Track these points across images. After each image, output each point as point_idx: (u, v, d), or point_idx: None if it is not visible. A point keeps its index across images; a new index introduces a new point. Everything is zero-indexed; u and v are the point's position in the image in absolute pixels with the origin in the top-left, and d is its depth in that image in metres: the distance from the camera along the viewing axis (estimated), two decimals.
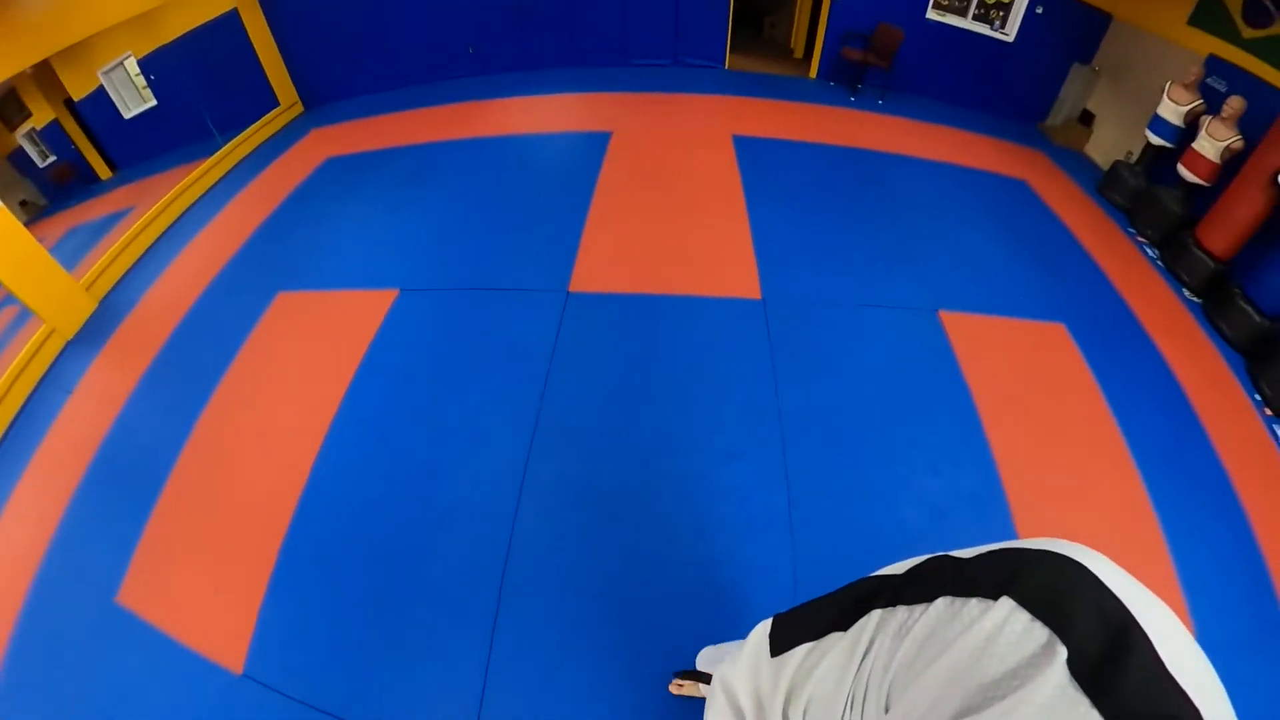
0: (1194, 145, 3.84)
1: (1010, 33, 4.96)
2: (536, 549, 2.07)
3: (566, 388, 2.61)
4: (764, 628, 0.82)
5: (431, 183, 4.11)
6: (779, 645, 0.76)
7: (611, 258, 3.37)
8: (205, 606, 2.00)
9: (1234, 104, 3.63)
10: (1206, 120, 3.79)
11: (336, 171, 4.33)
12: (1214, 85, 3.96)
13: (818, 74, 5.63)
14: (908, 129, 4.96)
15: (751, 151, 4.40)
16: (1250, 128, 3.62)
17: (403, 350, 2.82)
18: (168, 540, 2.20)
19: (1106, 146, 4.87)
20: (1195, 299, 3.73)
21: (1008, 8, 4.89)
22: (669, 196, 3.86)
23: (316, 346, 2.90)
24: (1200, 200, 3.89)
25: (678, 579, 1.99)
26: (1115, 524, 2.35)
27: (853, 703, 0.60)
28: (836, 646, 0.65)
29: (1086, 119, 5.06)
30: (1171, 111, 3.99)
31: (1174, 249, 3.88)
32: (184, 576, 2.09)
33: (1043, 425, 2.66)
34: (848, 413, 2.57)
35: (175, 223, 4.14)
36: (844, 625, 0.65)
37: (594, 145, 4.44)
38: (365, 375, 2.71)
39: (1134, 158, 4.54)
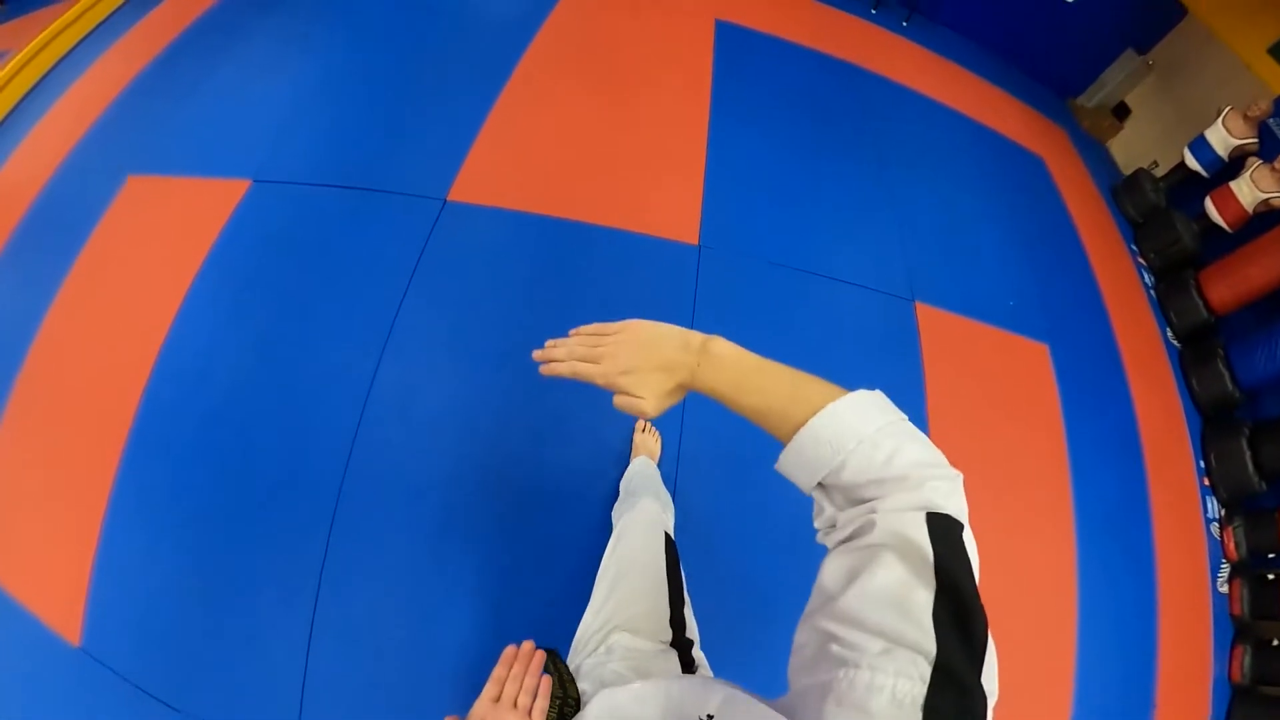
0: (1231, 184, 3.45)
1: None
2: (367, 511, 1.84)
3: (421, 327, 2.13)
4: None
5: (329, 28, 3.11)
6: None
7: (514, 160, 2.64)
8: (41, 559, 1.80)
9: None
10: (1254, 163, 3.39)
11: (233, 11, 3.20)
12: (1276, 129, 3.47)
13: None
14: (928, 62, 4.26)
15: (735, 45, 3.57)
16: None
17: (243, 257, 2.27)
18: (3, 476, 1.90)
19: (1133, 148, 4.42)
20: (1176, 343, 3.44)
21: None
22: (610, 88, 3.04)
23: (158, 247, 2.31)
24: (1215, 243, 3.56)
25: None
26: (1035, 578, 2.26)
27: None
28: None
29: (1121, 112, 4.54)
30: (1220, 140, 3.54)
31: (1172, 284, 3.56)
32: (21, 523, 1.84)
33: (994, 453, 2.35)
34: None
35: (51, 70, 3.04)
36: None
37: (535, 3, 3.47)
38: (200, 288, 2.20)
39: (1159, 169, 4.08)
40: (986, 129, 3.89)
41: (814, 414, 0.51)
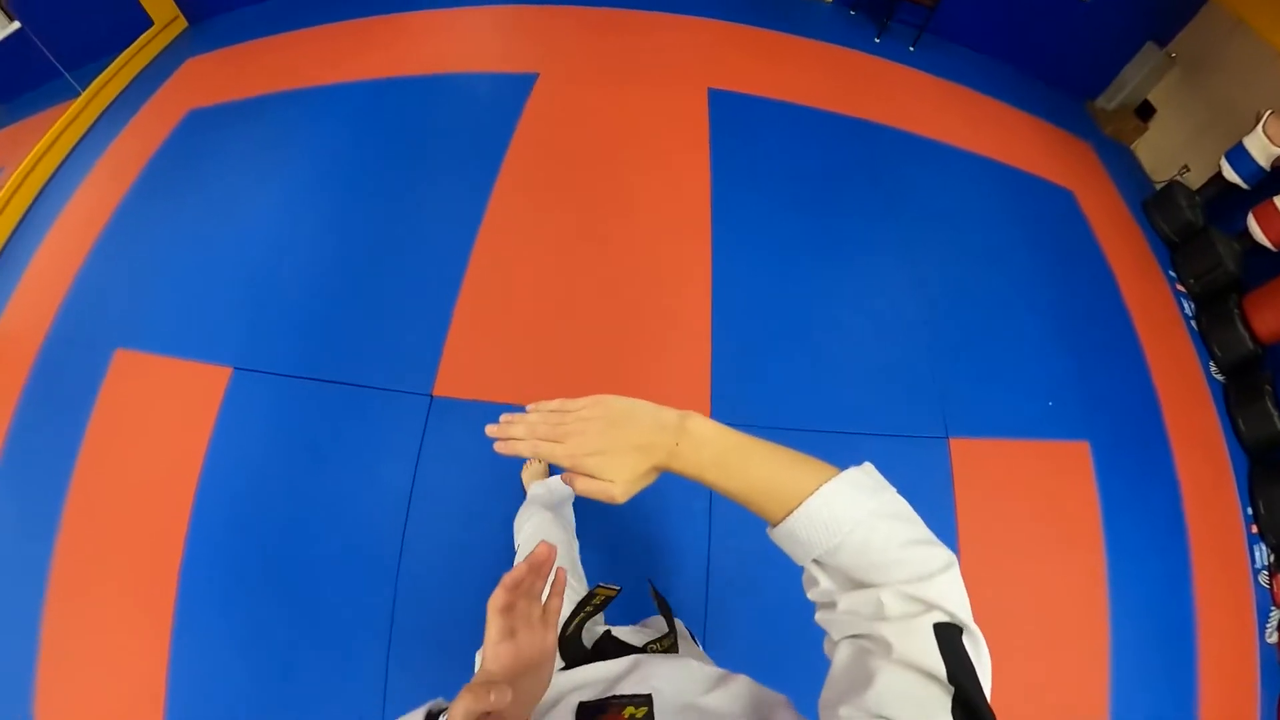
0: (1276, 199, 3.28)
1: None
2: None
3: (431, 531, 2.22)
4: None
5: (293, 158, 3.10)
6: None
7: (494, 344, 2.56)
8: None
9: None
10: None
11: (196, 134, 3.23)
12: None
13: None
14: (938, 94, 4.12)
15: (731, 118, 3.52)
16: None
17: (245, 445, 2.35)
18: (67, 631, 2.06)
19: (1160, 151, 4.23)
20: (1219, 377, 3.43)
21: None
22: (594, 207, 3.02)
23: (162, 426, 2.41)
24: (1259, 264, 3.44)
25: None
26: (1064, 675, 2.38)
27: None
28: None
29: (1145, 112, 4.31)
30: (1261, 149, 3.39)
31: (1215, 314, 3.50)
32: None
33: (1027, 567, 2.51)
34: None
35: (42, 191, 3.15)
36: None
37: (510, 96, 3.43)
38: (212, 474, 2.28)
39: (1189, 175, 3.92)
40: (1009, 169, 3.79)
41: (805, 497, 0.51)
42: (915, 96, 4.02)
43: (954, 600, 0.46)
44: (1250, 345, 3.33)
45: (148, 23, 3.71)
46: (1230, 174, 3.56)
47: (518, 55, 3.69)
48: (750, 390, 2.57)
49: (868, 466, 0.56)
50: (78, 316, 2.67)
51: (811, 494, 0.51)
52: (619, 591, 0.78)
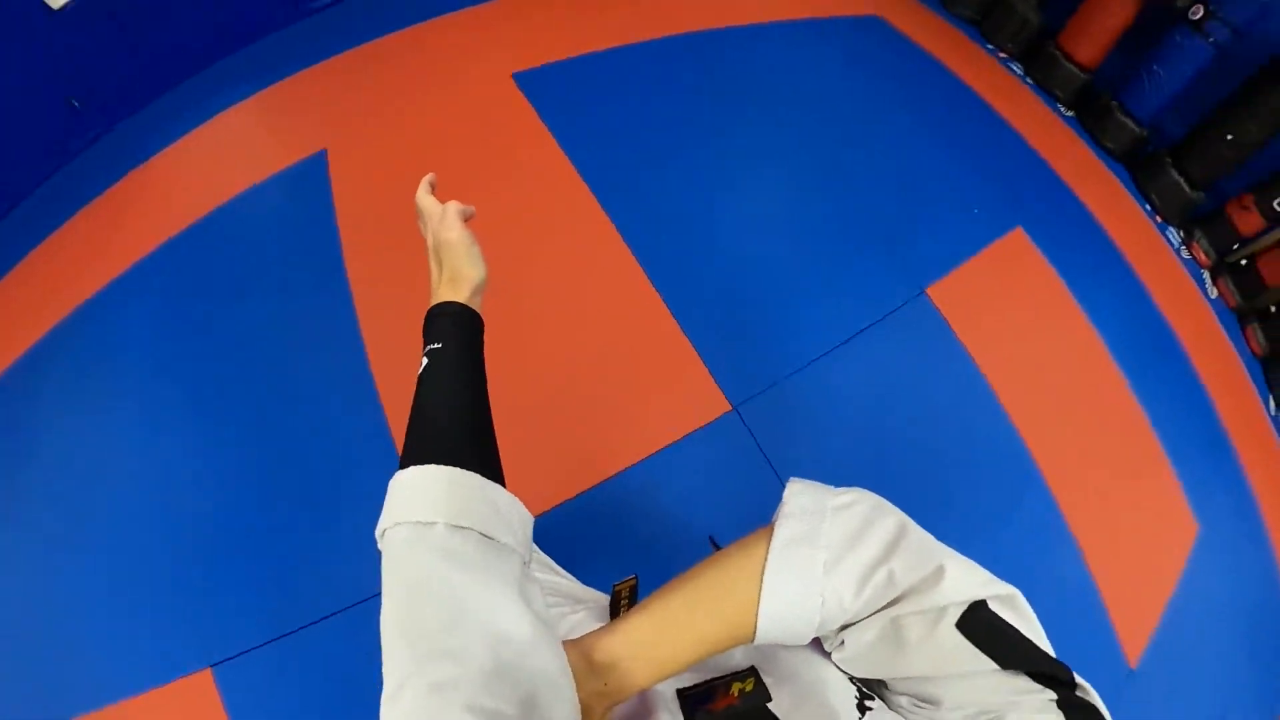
0: None
1: None
2: None
3: None
4: None
5: (116, 384, 2.47)
6: None
7: None
8: None
9: None
10: None
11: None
12: None
13: None
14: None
15: (550, 95, 3.18)
16: None
17: None
18: None
19: None
20: (1069, 113, 3.72)
21: None
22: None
23: None
24: (1057, 5, 3.67)
25: None
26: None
27: None
28: None
29: None
30: None
31: (1041, 62, 3.76)
32: None
33: (1045, 359, 2.75)
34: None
35: None
36: None
37: (310, 186, 2.83)
38: None
39: None
40: (817, 21, 3.77)
41: (754, 609, 0.47)
42: None
43: (959, 584, 0.44)
44: (1081, 75, 3.62)
45: None
46: None
47: (293, 142, 3.11)
48: (745, 354, 2.45)
49: (791, 490, 0.53)
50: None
51: (757, 602, 0.47)
52: (637, 578, 0.72)
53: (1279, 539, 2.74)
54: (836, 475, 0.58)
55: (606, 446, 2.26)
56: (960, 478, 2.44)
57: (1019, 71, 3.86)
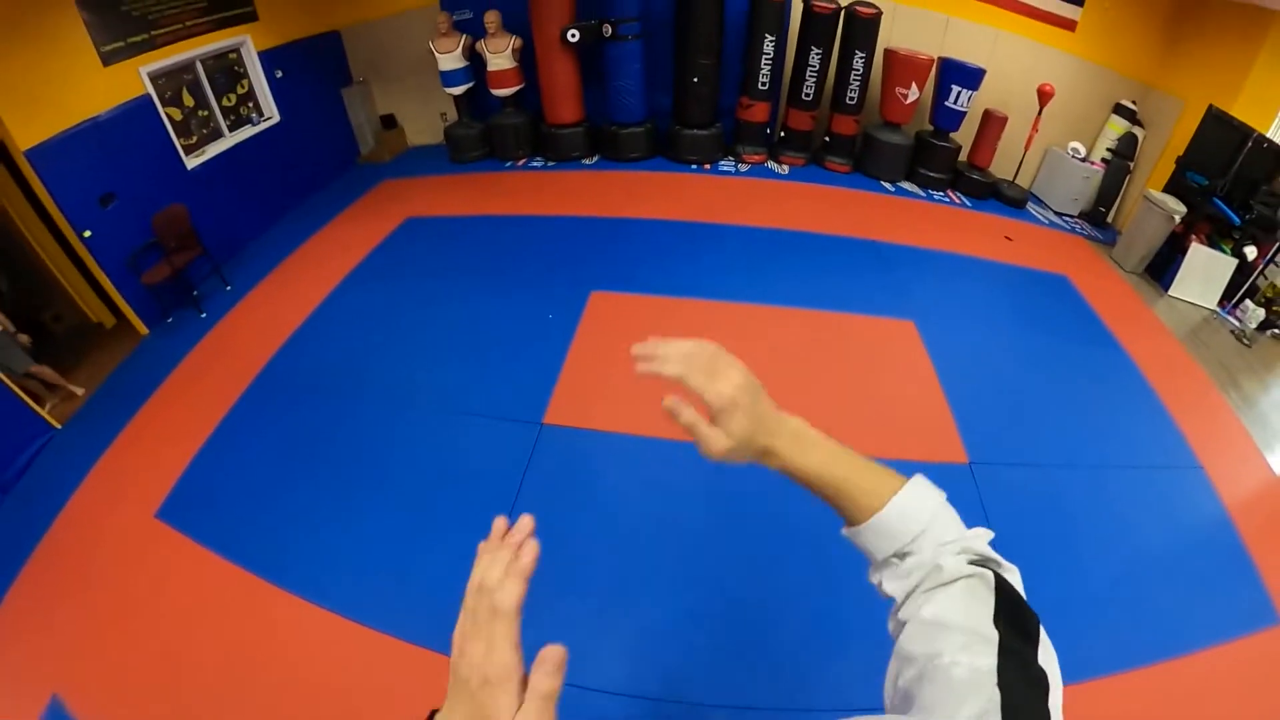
0: (490, 69, 4.47)
1: (271, 113, 4.52)
2: None
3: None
4: None
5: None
6: None
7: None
8: None
9: (490, 18, 4.28)
10: (481, 45, 4.38)
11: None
12: (459, 16, 4.52)
13: (147, 325, 3.71)
14: (279, 296, 3.83)
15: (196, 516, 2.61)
16: (510, 24, 4.37)
17: None
18: None
19: (424, 128, 5.27)
20: (589, 160, 4.68)
21: (251, 95, 4.40)
22: None
23: None
24: (528, 98, 4.66)
25: None
26: None
27: None
28: None
29: (389, 123, 5.30)
30: (450, 60, 4.48)
31: (548, 148, 4.69)
32: None
33: None
34: None
35: None
36: None
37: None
38: None
39: (449, 117, 5.02)
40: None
41: (891, 495, 0.56)
42: (263, 329, 4.07)
43: (983, 547, 0.56)
44: (568, 130, 4.57)
45: None
46: (457, 90, 4.59)
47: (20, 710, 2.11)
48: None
49: (920, 475, 0.60)
50: None
51: (897, 492, 0.57)
52: None
53: None
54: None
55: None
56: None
57: (539, 164, 4.67)
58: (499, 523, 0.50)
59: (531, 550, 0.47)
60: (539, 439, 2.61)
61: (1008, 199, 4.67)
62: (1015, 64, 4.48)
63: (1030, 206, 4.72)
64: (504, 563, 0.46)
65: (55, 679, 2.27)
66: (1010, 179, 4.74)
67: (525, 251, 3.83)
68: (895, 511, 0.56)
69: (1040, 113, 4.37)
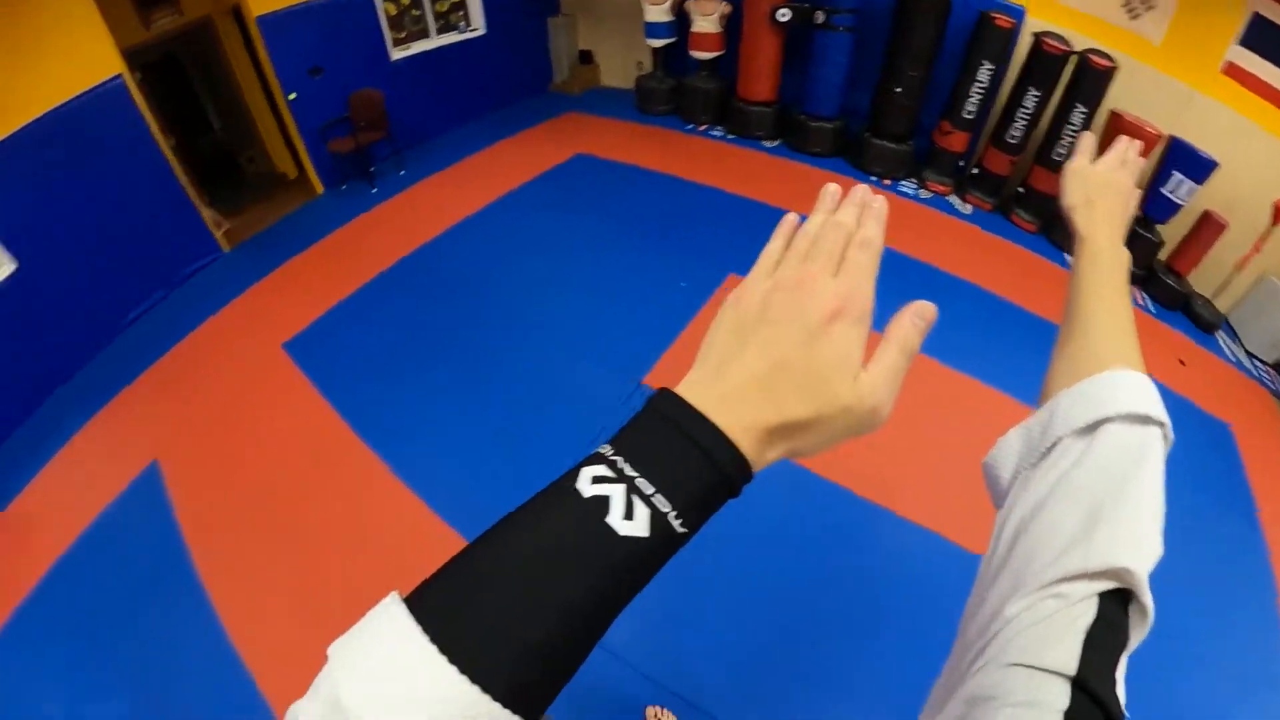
0: (693, 29, 4.41)
1: (478, 25, 4.83)
2: None
3: None
4: None
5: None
6: None
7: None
8: None
9: None
10: (690, 3, 4.34)
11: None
12: None
13: (324, 185, 4.32)
14: (443, 193, 4.21)
15: (317, 359, 3.02)
16: None
17: None
18: None
19: (617, 71, 5.37)
20: (770, 143, 4.55)
21: (463, 4, 4.71)
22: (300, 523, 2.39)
23: None
24: (724, 66, 4.56)
25: None
26: None
27: None
28: None
29: (586, 58, 5.46)
30: (657, 12, 4.46)
31: (733, 121, 4.58)
32: None
33: None
34: None
35: None
36: None
37: (151, 500, 2.50)
38: None
39: (644, 67, 5.06)
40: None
41: (1128, 366, 0.46)
42: (427, 215, 4.06)
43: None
44: (770, 109, 4.52)
45: None
46: (657, 43, 4.59)
47: (125, 462, 2.69)
48: None
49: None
50: None
51: (1136, 366, 0.47)
52: None
53: None
54: None
55: None
56: None
57: (722, 134, 4.63)
58: (830, 188, 0.37)
59: (883, 200, 0.37)
60: (633, 395, 2.67)
61: (1198, 317, 4.10)
62: (1253, 166, 3.78)
63: (1219, 334, 4.14)
64: (853, 213, 0.36)
65: (157, 450, 2.70)
66: (1208, 296, 4.18)
67: (678, 215, 3.88)
68: (1128, 379, 0.44)
69: (1269, 232, 3.80)
